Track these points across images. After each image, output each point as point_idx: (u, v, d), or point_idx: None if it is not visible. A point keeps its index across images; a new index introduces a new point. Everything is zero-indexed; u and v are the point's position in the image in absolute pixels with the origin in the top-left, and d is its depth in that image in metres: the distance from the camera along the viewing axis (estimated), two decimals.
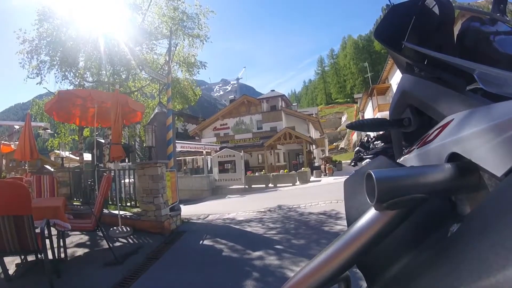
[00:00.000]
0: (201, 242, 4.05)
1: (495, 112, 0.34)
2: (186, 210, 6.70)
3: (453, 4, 0.61)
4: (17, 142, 7.10)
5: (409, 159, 0.53)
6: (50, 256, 2.54)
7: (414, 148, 0.54)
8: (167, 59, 6.59)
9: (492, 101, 0.39)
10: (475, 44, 0.54)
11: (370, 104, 27.01)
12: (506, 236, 0.22)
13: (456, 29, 0.59)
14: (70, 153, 16.67)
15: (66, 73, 9.39)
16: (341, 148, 51.38)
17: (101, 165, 8.90)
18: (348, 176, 0.62)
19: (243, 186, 13.37)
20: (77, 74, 9.61)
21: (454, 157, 0.38)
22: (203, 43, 10.45)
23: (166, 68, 6.47)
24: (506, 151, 0.29)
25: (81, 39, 9.16)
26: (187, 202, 9.74)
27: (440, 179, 0.34)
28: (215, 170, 14.24)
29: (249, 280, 2.62)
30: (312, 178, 15.75)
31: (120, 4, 9.14)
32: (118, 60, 9.35)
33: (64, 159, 9.31)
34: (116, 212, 4.79)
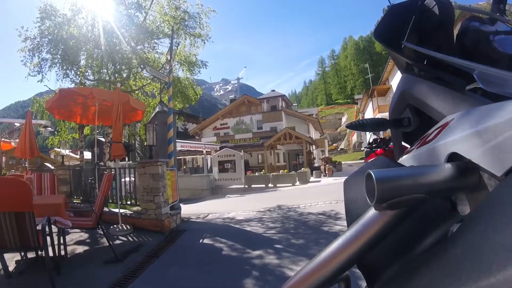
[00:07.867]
0: (201, 240, 4.05)
1: (495, 112, 0.34)
2: (186, 209, 6.69)
3: (453, 4, 0.61)
4: (18, 140, 7.11)
5: (409, 159, 0.53)
6: (50, 253, 2.54)
7: (414, 148, 0.54)
8: (169, 58, 6.59)
9: (492, 101, 0.38)
10: (475, 44, 0.54)
11: (370, 105, 26.99)
12: (506, 236, 0.22)
13: (456, 29, 0.59)
14: (70, 151, 16.72)
15: (67, 71, 9.40)
16: (341, 149, 51.34)
17: (101, 163, 8.91)
18: (348, 176, 0.62)
19: (242, 186, 13.37)
20: (78, 72, 9.62)
21: (454, 157, 0.37)
22: (204, 43, 10.46)
23: (168, 67, 6.46)
24: (506, 151, 0.29)
25: (82, 37, 9.16)
26: (187, 201, 9.75)
27: (440, 179, 0.34)
28: (215, 169, 14.25)
29: (248, 278, 2.62)
30: (311, 179, 15.74)
31: (122, 2, 9.14)
32: (119, 59, 9.35)
33: (64, 157, 9.33)
34: (117, 210, 4.80)
